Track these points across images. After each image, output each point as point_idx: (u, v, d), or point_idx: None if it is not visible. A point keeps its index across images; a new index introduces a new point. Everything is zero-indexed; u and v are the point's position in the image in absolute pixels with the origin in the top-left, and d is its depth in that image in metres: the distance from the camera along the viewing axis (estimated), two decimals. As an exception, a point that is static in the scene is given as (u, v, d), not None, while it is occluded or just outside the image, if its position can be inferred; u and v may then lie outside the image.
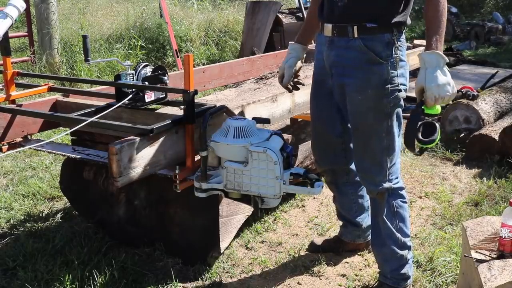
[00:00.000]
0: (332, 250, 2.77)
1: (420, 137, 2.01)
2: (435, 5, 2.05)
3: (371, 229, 2.49)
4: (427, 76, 1.96)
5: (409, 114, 2.08)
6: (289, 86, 2.46)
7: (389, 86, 2.16)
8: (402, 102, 2.22)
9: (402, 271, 2.39)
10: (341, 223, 2.78)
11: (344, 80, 2.23)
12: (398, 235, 2.36)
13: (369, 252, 2.80)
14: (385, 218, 2.34)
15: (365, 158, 2.30)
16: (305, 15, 6.96)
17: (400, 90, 2.17)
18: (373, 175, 2.30)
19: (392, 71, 2.15)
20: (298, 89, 2.51)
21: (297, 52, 2.46)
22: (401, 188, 2.37)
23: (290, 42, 2.51)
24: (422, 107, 2.01)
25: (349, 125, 2.37)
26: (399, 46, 2.16)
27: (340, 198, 2.66)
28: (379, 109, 2.19)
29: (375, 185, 2.31)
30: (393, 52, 2.14)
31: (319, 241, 2.82)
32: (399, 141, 2.30)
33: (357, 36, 2.14)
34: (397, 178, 2.34)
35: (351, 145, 2.43)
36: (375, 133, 2.23)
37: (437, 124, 2.03)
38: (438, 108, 2.01)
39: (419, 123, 2.01)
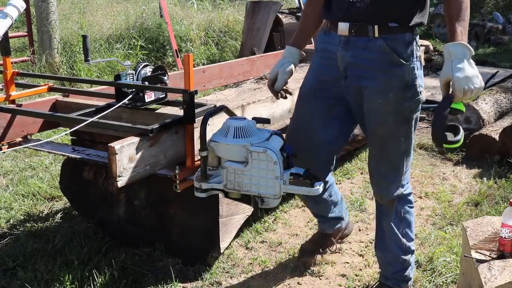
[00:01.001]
0: (323, 247, 2.71)
1: (447, 138, 1.93)
2: (458, 2, 1.93)
3: (375, 231, 2.45)
4: (454, 68, 1.84)
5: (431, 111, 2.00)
6: (280, 93, 2.31)
7: (410, 89, 2.06)
8: (420, 106, 2.13)
9: (405, 274, 2.39)
10: (319, 221, 2.73)
11: (362, 83, 2.08)
12: (404, 240, 2.34)
13: (369, 252, 2.80)
14: (392, 224, 2.31)
15: (382, 163, 2.22)
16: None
17: (420, 93, 2.08)
18: (389, 181, 2.23)
19: (414, 72, 2.05)
20: (286, 97, 2.35)
21: (294, 57, 2.29)
22: (410, 194, 2.34)
23: (287, 45, 2.35)
24: (450, 101, 1.89)
25: (353, 131, 2.34)
26: (419, 46, 2.08)
27: (314, 204, 2.62)
28: (399, 113, 2.08)
29: (388, 192, 2.25)
30: (415, 52, 2.04)
31: (307, 244, 2.74)
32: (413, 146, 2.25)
33: (378, 36, 2.00)
34: (407, 183, 2.30)
35: (335, 156, 2.36)
36: (394, 138, 2.13)
37: (460, 126, 1.94)
38: (462, 105, 1.90)
39: (446, 120, 1.90)
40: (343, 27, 2.07)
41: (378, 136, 2.17)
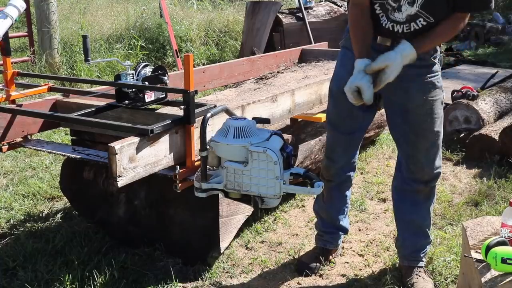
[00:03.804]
0: (321, 263, 2.67)
1: None
2: (452, 27, 2.17)
3: (401, 226, 2.54)
4: None
5: None
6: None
7: (437, 78, 2.35)
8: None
9: (427, 247, 2.58)
10: (322, 233, 2.72)
11: (409, 84, 2.30)
12: (430, 222, 2.56)
13: (369, 252, 2.80)
14: (430, 208, 2.50)
15: (432, 149, 2.38)
16: (305, 15, 6.94)
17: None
18: (436, 164, 2.41)
19: (437, 67, 2.34)
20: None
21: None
22: None
23: (365, 59, 2.21)
24: None
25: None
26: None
27: (333, 203, 2.63)
28: (437, 99, 2.34)
29: (437, 173, 2.43)
30: (437, 50, 2.34)
31: (307, 258, 2.70)
32: None
33: None
34: None
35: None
36: (438, 123, 2.37)
37: None
38: None
39: None
40: (386, 40, 2.27)
41: (428, 128, 2.35)
